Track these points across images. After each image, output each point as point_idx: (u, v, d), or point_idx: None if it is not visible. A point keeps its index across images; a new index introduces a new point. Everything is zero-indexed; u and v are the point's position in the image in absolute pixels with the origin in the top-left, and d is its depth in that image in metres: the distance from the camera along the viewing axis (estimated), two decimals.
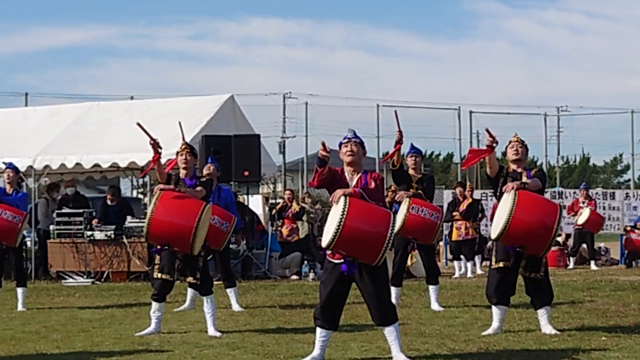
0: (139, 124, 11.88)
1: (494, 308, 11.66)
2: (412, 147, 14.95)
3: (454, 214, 22.89)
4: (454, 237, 22.96)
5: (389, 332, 9.53)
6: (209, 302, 11.99)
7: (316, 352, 9.60)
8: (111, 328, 12.86)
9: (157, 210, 11.69)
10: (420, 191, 14.28)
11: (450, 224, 23.28)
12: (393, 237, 9.33)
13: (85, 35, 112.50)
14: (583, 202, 25.14)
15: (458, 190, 23.73)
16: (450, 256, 25.49)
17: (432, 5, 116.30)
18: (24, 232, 16.06)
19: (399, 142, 13.84)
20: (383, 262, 9.49)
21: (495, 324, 11.61)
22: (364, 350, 10.27)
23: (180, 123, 11.61)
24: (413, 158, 14.62)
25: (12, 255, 15.47)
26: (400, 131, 13.84)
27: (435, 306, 14.46)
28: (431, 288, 14.69)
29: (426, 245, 14.63)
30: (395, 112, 14.39)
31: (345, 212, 9.10)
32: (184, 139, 12.18)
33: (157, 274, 11.96)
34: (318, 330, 9.66)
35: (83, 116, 25.08)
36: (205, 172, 14.96)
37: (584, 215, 24.28)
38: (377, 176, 9.75)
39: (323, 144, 9.50)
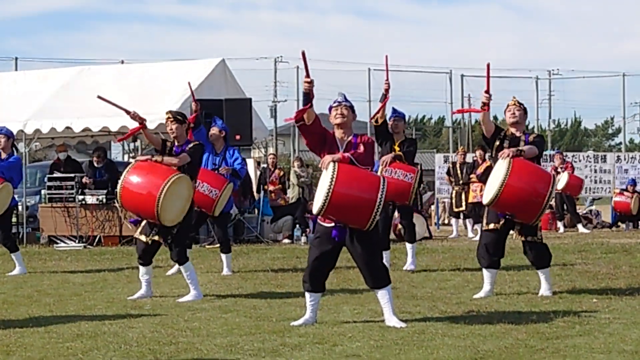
0: (99, 97, 11.53)
1: (484, 271, 11.70)
2: (394, 110, 14.93)
3: (471, 176, 22.95)
4: (470, 198, 23.07)
5: (382, 295, 9.60)
6: (182, 270, 12.03)
7: (308, 314, 9.67)
8: (103, 292, 12.88)
9: (125, 181, 11.72)
10: (401, 153, 14.30)
11: (466, 186, 23.39)
12: (383, 202, 9.32)
13: (76, 0, 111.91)
14: (561, 167, 25.15)
15: (478, 153, 23.77)
16: (446, 220, 25.59)
17: None
18: (15, 197, 15.99)
19: (386, 95, 13.81)
20: (374, 226, 9.54)
21: (486, 286, 11.65)
22: (356, 313, 10.30)
23: (189, 83, 11.18)
24: (394, 122, 14.61)
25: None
26: (388, 82, 13.85)
27: (409, 266, 14.53)
28: (408, 246, 14.76)
29: (403, 206, 14.66)
30: (386, 57, 14.30)
31: (334, 179, 9.12)
32: (194, 100, 11.76)
33: (137, 236, 11.98)
34: (307, 294, 9.73)
35: (73, 80, 25.03)
36: (210, 132, 14.83)
37: (562, 179, 24.25)
38: (367, 140, 9.72)
39: (303, 53, 9.55)
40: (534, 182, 10.81)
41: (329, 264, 9.64)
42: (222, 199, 14.12)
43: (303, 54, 9.61)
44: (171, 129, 12.26)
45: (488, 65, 11.44)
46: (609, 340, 8.58)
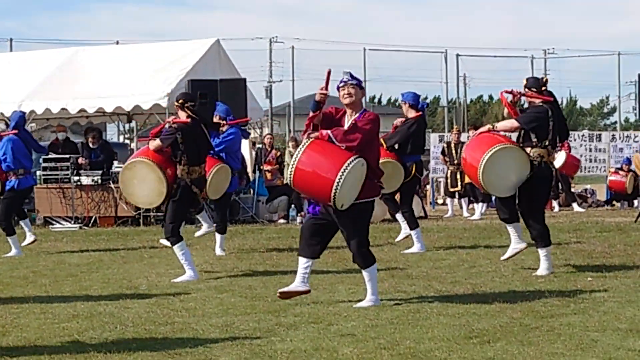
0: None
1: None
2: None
3: None
4: (466, 178, 23.05)
5: (364, 275, 9.66)
6: (176, 250, 12.11)
7: (296, 280, 9.69)
8: (99, 273, 12.89)
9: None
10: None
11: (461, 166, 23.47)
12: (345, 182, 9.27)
13: None
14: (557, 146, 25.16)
15: (472, 132, 23.76)
16: (440, 200, 25.58)
17: None
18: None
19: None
20: (364, 208, 9.57)
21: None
22: (351, 292, 10.32)
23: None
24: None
25: None
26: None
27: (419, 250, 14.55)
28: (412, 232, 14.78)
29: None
30: (328, 72, 14.18)
31: (298, 156, 9.33)
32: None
33: None
34: (299, 259, 9.77)
35: (68, 61, 25.04)
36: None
37: (559, 158, 24.20)
38: (367, 116, 9.62)
39: (328, 72, 9.59)
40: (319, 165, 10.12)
41: (320, 236, 9.63)
42: (212, 181, 13.96)
43: (328, 73, 9.62)
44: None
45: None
46: (603, 319, 8.61)
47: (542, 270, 11.77)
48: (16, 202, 16.13)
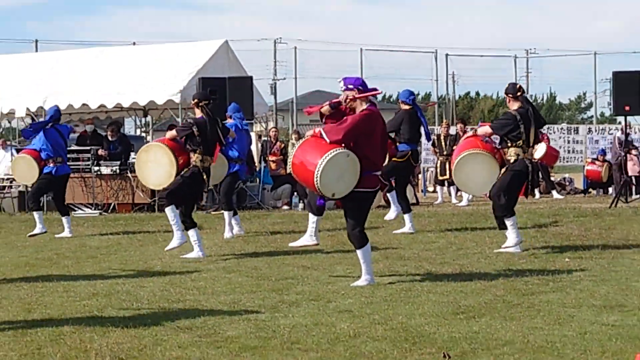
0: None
1: None
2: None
3: (454, 147, 22.90)
4: None
5: (359, 255, 9.70)
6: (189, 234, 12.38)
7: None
8: (117, 255, 12.90)
9: None
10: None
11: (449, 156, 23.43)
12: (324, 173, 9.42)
13: None
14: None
15: (459, 126, 23.86)
16: (430, 188, 25.55)
17: None
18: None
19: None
20: (364, 197, 9.64)
21: None
22: (348, 272, 10.33)
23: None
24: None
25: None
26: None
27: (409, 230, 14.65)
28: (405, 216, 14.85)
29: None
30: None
31: (294, 151, 9.93)
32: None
33: None
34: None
35: (89, 61, 25.04)
36: None
37: (540, 150, 24.08)
38: (360, 113, 9.64)
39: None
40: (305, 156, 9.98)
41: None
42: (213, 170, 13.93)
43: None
44: None
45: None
46: (579, 296, 8.62)
47: (511, 241, 11.92)
48: (51, 187, 16.34)
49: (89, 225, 17.83)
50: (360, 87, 9.76)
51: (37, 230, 15.42)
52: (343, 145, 9.49)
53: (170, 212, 12.19)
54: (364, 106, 9.70)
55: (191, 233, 12.25)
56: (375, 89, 10.20)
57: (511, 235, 11.94)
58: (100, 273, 10.94)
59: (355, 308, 8.27)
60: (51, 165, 15.73)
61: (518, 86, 12.54)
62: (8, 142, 24.92)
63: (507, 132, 11.94)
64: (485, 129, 12.62)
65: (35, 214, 15.70)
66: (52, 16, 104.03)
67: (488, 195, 12.23)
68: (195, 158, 12.44)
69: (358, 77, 10.11)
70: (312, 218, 10.31)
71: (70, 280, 10.37)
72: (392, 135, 14.49)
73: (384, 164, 10.45)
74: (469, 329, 7.30)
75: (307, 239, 10.36)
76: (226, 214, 14.88)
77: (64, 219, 15.91)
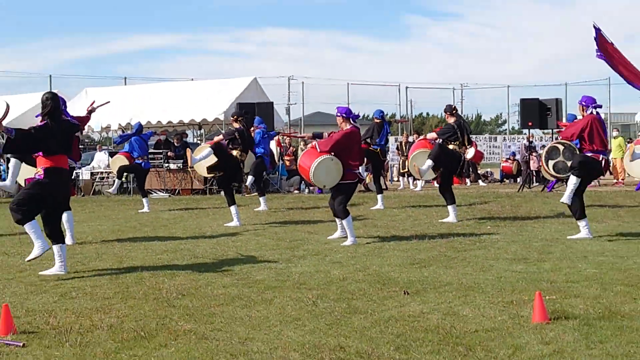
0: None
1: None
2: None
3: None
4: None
5: (344, 224, 9.76)
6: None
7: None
8: (181, 224, 12.88)
9: None
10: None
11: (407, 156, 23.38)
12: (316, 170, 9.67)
13: (163, 40, 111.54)
14: (468, 144, 25.14)
15: (414, 136, 24.13)
16: (395, 178, 25.47)
17: (381, 20, 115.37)
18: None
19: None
20: (346, 187, 9.73)
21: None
22: (341, 238, 10.30)
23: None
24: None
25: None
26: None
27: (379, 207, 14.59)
28: (379, 196, 14.76)
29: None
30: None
31: (299, 156, 10.47)
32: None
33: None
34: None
35: (162, 91, 25.14)
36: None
37: (470, 152, 24.00)
38: (343, 131, 9.81)
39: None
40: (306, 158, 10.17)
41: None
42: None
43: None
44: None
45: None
46: (497, 252, 8.64)
47: (451, 219, 11.93)
48: (140, 175, 16.49)
49: (161, 204, 17.81)
50: (344, 115, 9.83)
51: (145, 209, 15.65)
52: (331, 152, 9.66)
53: (224, 194, 12.73)
54: (348, 126, 9.77)
55: (232, 209, 12.28)
56: (357, 116, 10.42)
57: (451, 212, 11.97)
58: (169, 236, 10.93)
59: (343, 260, 8.29)
60: (140, 160, 16.09)
61: (453, 106, 12.81)
62: (104, 147, 24.88)
63: (447, 137, 12.02)
64: (432, 135, 12.68)
65: (145, 200, 15.93)
66: (136, 61, 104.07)
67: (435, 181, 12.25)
68: (237, 153, 12.83)
69: (345, 107, 10.13)
70: (337, 221, 10.15)
71: (149, 241, 10.38)
72: (368, 140, 14.55)
73: (361, 164, 10.53)
74: (421, 274, 7.33)
75: (338, 233, 10.22)
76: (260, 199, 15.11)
77: (144, 200, 15.90)
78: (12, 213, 7.47)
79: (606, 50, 6.14)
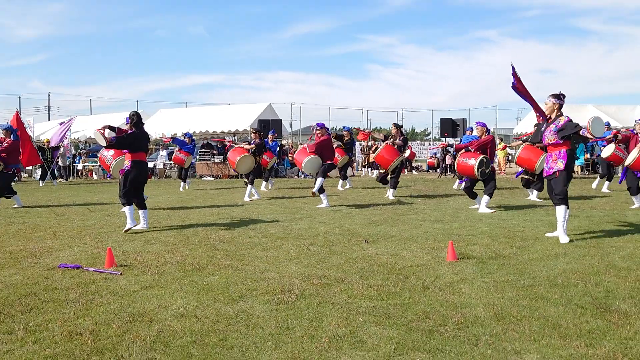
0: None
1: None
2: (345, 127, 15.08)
3: (370, 151, 22.34)
4: (370, 160, 22.26)
5: (322, 197, 9.79)
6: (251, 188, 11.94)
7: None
8: (221, 197, 12.75)
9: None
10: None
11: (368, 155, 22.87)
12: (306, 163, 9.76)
13: (210, 78, 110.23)
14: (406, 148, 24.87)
15: (372, 142, 23.48)
16: (359, 168, 25.45)
17: (351, 67, 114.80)
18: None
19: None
20: (326, 167, 9.80)
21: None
22: (323, 206, 10.27)
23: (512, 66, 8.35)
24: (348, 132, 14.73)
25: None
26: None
27: (346, 187, 14.34)
28: (341, 182, 14.57)
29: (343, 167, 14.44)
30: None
31: (295, 154, 10.24)
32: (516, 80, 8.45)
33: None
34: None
35: (206, 112, 24.89)
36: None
37: (407, 152, 23.73)
38: (323, 138, 9.80)
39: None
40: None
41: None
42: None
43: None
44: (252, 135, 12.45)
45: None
46: (424, 216, 8.62)
47: (390, 195, 11.49)
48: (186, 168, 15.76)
49: (209, 184, 17.70)
50: (322, 127, 9.91)
51: (184, 186, 15.30)
52: (315, 152, 9.80)
53: (252, 187, 11.89)
54: (325, 136, 9.84)
55: (252, 191, 11.95)
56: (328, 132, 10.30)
57: (390, 190, 11.82)
58: (214, 205, 10.84)
59: (326, 221, 8.25)
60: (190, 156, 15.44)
61: (400, 124, 12.55)
62: (170, 147, 24.40)
63: (401, 139, 11.60)
64: (398, 142, 11.52)
65: (184, 182, 15.29)
66: (193, 91, 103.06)
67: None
68: (258, 157, 12.23)
69: (322, 122, 10.12)
70: (322, 196, 9.93)
71: (201, 208, 10.30)
72: (340, 143, 14.41)
73: (331, 159, 10.35)
74: (376, 230, 7.32)
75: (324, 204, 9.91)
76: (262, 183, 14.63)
77: (185, 183, 15.43)
78: (121, 199, 7.45)
79: (519, 82, 6.04)
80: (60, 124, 22.18)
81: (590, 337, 3.34)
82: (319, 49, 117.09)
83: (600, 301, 4.01)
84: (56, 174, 20.35)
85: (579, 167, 20.30)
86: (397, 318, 3.70)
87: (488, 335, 3.38)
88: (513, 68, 6.25)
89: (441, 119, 21.50)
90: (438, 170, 23.96)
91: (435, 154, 25.77)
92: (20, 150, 12.01)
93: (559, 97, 6.35)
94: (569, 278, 4.67)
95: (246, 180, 12.00)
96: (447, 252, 5.54)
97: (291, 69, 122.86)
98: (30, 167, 23.17)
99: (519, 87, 6.30)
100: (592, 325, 3.52)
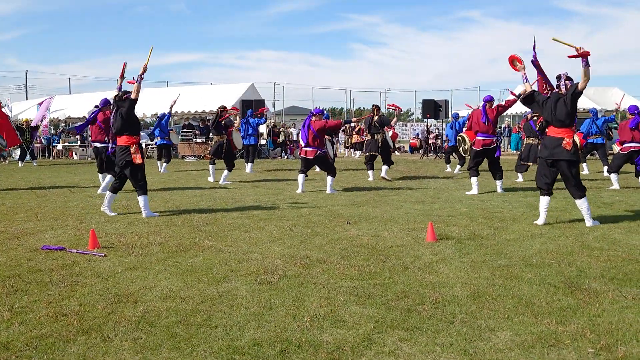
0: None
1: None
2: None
3: (353, 133, 22.14)
4: (352, 141, 21.93)
5: (299, 180, 9.72)
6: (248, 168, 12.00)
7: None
8: (204, 178, 12.61)
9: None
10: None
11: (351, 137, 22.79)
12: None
13: (192, 57, 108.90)
14: (388, 130, 24.95)
15: (354, 124, 23.35)
16: (342, 150, 25.49)
17: (334, 46, 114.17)
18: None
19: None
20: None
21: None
22: (321, 190, 10.31)
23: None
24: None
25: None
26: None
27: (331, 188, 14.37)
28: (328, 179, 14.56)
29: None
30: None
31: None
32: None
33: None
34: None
35: (192, 91, 24.42)
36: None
37: (389, 133, 23.87)
38: (320, 121, 9.66)
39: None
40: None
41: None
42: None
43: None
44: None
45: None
46: (405, 197, 8.71)
47: (373, 174, 11.58)
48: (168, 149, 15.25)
49: (192, 165, 17.60)
50: (317, 113, 9.73)
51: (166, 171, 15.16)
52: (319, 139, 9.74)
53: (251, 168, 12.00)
54: (322, 119, 9.78)
55: (211, 171, 11.86)
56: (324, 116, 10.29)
57: (372, 172, 11.87)
58: (196, 186, 10.71)
59: (309, 202, 8.28)
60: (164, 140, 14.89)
61: (378, 105, 12.35)
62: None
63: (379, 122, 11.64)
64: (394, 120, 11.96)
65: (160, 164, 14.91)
66: (175, 70, 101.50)
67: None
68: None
69: (319, 108, 10.08)
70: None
71: (183, 189, 10.19)
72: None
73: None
74: (358, 211, 7.38)
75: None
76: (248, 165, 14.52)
77: (164, 165, 15.02)
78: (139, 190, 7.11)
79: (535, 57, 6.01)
80: (39, 104, 21.77)
81: (561, 314, 3.47)
82: (303, 28, 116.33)
83: (572, 280, 4.16)
84: (35, 155, 20.07)
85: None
86: (377, 297, 3.80)
87: (464, 313, 3.50)
88: (534, 42, 6.25)
89: (423, 100, 21.49)
90: (420, 151, 24.18)
91: (417, 135, 25.90)
92: None
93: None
94: (544, 258, 4.81)
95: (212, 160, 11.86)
96: (426, 232, 5.64)
97: (274, 48, 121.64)
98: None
99: (536, 61, 6.33)
100: (563, 304, 3.66)
